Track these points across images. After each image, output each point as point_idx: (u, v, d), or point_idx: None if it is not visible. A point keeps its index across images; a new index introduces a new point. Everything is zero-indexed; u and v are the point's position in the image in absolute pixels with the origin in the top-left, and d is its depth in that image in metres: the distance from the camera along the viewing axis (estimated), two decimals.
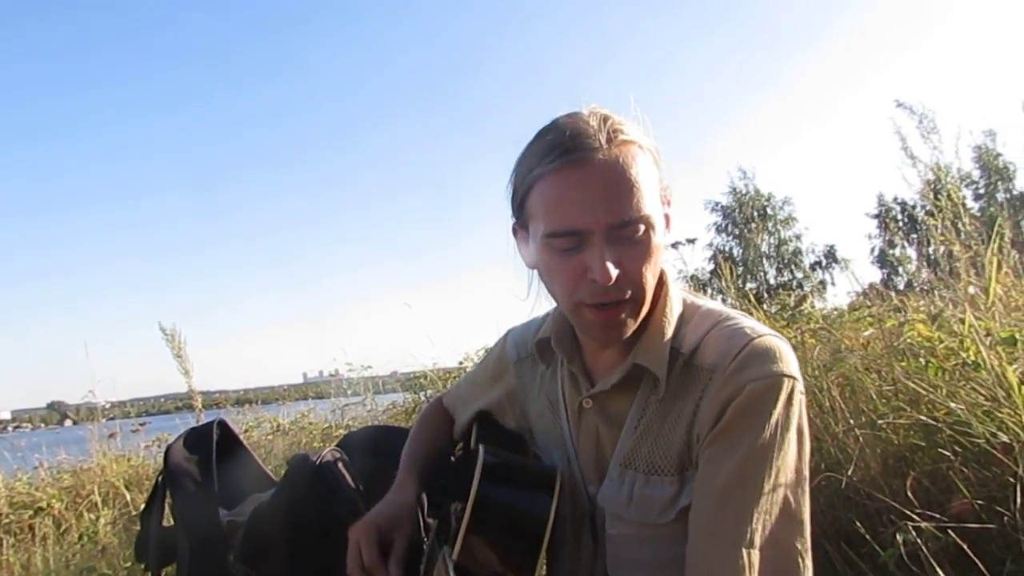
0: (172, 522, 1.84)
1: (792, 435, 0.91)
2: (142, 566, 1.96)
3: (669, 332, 1.01)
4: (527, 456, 1.24)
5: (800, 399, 0.93)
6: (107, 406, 4.96)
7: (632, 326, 0.99)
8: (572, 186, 0.92)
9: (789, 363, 0.93)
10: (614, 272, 0.92)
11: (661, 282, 1.03)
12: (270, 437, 3.99)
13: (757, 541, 0.87)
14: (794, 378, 0.93)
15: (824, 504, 1.79)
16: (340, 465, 1.71)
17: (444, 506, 1.16)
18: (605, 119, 0.95)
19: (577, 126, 0.94)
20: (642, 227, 0.93)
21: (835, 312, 3.20)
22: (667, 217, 1.01)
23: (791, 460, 0.91)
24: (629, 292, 0.95)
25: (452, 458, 1.43)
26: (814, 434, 1.97)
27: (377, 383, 4.93)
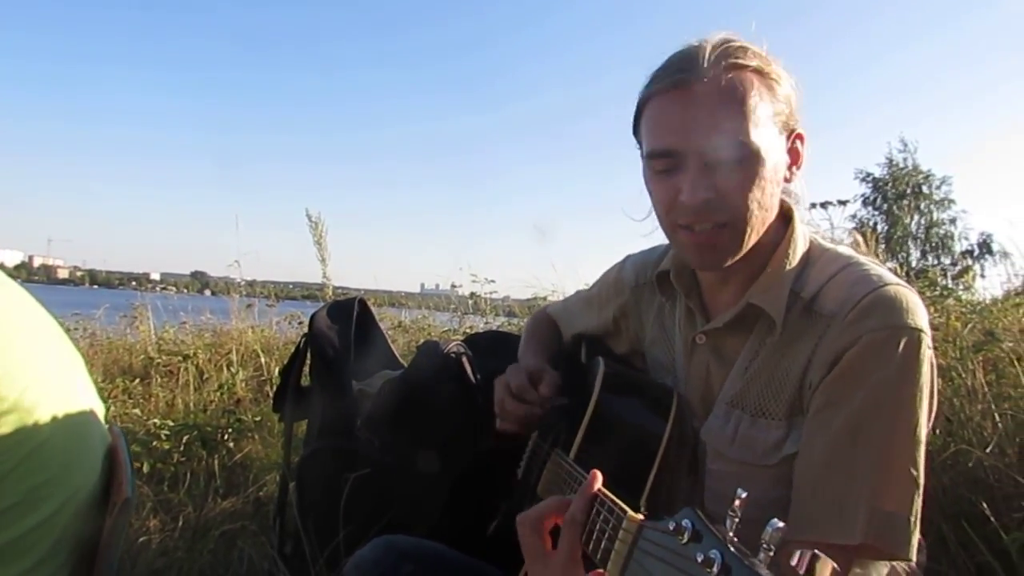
0: (309, 382, 2.00)
1: (916, 394, 0.85)
2: (276, 417, 2.16)
3: (789, 273, 0.97)
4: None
5: (929, 355, 0.87)
6: (242, 283, 5.33)
7: (731, 254, 0.95)
8: (671, 107, 0.93)
9: (916, 315, 0.87)
10: (702, 196, 0.90)
11: (786, 219, 1.01)
12: (391, 332, 4.18)
13: (864, 501, 0.83)
14: (921, 331, 0.86)
15: (948, 482, 1.72)
16: (464, 359, 1.80)
17: (553, 406, 1.17)
18: (723, 43, 0.93)
19: (690, 50, 0.94)
20: (742, 153, 0.89)
21: (990, 299, 2.98)
22: (794, 151, 0.97)
23: (911, 420, 0.85)
24: (725, 218, 0.92)
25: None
26: (946, 414, 1.89)
27: (496, 304, 5.01)
